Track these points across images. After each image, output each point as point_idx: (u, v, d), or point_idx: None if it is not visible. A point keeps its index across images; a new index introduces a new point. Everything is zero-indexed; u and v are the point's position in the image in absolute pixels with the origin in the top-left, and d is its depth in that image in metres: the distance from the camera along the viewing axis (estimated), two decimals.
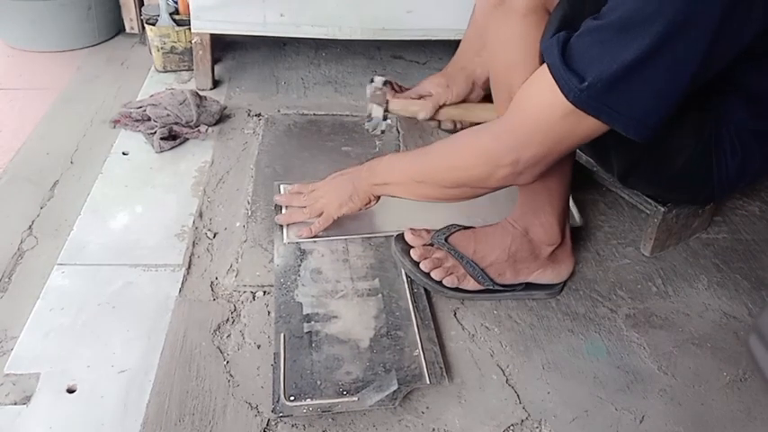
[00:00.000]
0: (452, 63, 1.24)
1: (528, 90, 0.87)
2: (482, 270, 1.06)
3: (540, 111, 0.84)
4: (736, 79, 0.94)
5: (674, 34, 0.74)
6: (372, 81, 1.27)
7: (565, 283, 1.13)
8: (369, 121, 1.26)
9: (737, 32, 0.78)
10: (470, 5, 1.29)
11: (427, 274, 1.07)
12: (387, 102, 1.24)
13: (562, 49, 0.80)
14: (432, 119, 1.22)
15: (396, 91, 1.28)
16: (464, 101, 1.22)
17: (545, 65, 0.83)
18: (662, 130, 0.82)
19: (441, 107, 1.21)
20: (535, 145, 0.87)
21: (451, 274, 1.07)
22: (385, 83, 1.26)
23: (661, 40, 0.74)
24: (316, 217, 1.17)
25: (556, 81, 0.80)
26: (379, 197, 1.13)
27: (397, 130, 1.57)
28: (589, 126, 0.82)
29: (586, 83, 0.78)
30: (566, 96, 0.79)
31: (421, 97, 1.22)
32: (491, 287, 1.07)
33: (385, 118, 1.25)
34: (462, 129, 1.23)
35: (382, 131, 1.28)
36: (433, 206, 1.26)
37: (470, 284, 1.07)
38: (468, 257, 1.07)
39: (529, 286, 1.10)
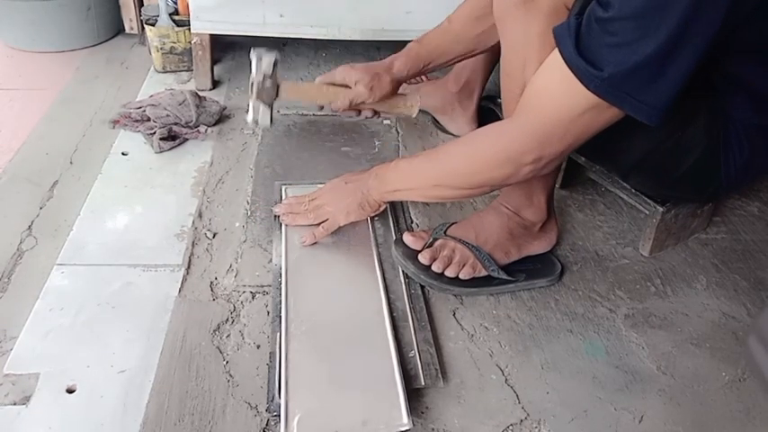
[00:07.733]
0: (384, 63, 1.21)
1: (541, 83, 0.87)
2: (488, 254, 1.08)
3: (559, 105, 0.84)
4: (739, 77, 0.94)
5: (689, 23, 0.74)
6: (260, 59, 1.09)
7: (563, 272, 1.15)
8: (249, 118, 1.17)
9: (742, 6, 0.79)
10: None
11: (437, 275, 1.07)
12: (277, 92, 1.17)
13: (576, 38, 0.80)
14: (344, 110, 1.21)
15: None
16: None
17: (553, 56, 0.83)
18: (674, 130, 0.82)
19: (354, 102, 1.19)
20: (557, 141, 0.87)
21: (464, 265, 1.08)
22: (275, 63, 1.11)
23: (677, 33, 0.75)
24: (320, 223, 1.14)
25: (574, 72, 0.80)
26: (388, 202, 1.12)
27: (396, 130, 1.57)
28: (611, 115, 0.84)
29: (606, 73, 0.78)
30: (586, 86, 0.80)
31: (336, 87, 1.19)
32: (495, 273, 1.08)
33: (271, 120, 1.16)
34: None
35: (269, 125, 1.20)
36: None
37: (483, 272, 1.09)
38: (472, 243, 1.09)
39: (530, 275, 1.11)
